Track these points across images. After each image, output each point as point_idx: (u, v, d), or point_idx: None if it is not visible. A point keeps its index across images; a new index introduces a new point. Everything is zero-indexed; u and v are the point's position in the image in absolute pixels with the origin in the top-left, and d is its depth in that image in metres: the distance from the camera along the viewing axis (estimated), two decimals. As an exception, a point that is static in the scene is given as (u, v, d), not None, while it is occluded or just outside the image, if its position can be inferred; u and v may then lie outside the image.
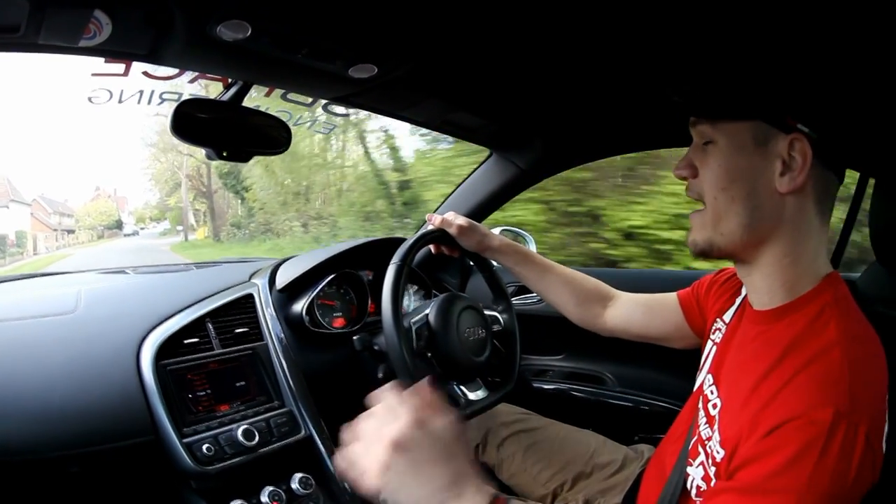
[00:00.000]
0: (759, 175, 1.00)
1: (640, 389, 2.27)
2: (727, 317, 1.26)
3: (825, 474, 0.81)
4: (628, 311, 1.63)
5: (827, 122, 0.99)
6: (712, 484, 1.02)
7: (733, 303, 1.27)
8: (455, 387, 1.60)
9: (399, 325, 1.45)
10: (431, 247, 1.74)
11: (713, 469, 1.01)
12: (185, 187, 35.81)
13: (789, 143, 0.97)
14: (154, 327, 1.53)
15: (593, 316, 1.67)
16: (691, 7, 1.05)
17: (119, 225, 49.16)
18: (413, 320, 1.59)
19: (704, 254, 1.10)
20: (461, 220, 1.65)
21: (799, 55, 1.10)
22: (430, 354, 1.58)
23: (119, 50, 1.17)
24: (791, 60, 1.09)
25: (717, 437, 1.01)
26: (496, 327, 1.78)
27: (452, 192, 2.43)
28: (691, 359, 1.44)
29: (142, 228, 48.58)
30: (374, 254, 2.01)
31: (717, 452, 0.99)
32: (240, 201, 25.28)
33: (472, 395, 1.61)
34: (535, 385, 2.46)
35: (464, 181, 2.39)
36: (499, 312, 1.83)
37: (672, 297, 1.55)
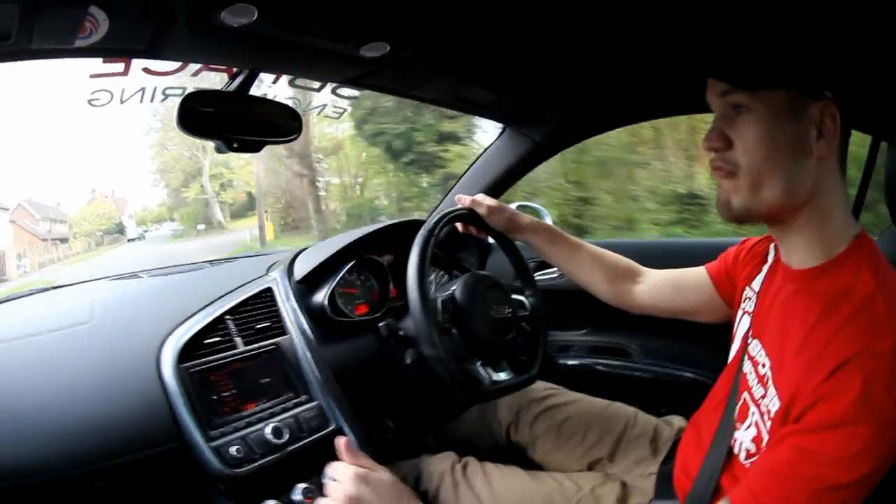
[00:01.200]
0: (799, 142, 1.02)
1: (665, 360, 2.27)
2: (756, 284, 1.27)
3: (894, 400, 0.85)
4: (658, 288, 1.63)
5: (851, 86, 1.04)
6: (764, 443, 1.03)
7: (760, 270, 1.28)
8: (479, 366, 1.58)
9: (425, 295, 1.43)
10: (459, 225, 1.72)
11: (769, 424, 1.02)
12: (207, 174, 31.53)
13: (820, 109, 0.99)
14: (173, 330, 1.50)
15: (623, 293, 1.66)
16: None
17: (121, 229, 41.39)
18: (439, 294, 1.59)
19: (739, 219, 1.10)
20: (490, 201, 1.65)
21: (829, 25, 1.08)
22: (454, 331, 1.56)
23: (117, 47, 1.14)
24: (823, 29, 1.07)
25: (772, 391, 1.03)
26: (522, 312, 1.76)
27: (467, 171, 2.40)
28: (716, 328, 1.48)
29: (146, 231, 40.56)
30: (392, 238, 1.97)
31: (774, 406, 1.01)
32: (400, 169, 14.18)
33: (495, 376, 1.60)
34: (560, 361, 2.44)
35: (478, 158, 2.36)
36: (525, 297, 1.81)
37: (701, 270, 1.55)
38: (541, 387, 1.86)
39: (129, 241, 36.38)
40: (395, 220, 2.05)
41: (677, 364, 2.22)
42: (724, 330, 1.39)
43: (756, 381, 1.11)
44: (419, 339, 1.44)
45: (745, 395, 1.14)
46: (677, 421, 1.65)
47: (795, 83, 1.01)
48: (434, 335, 1.41)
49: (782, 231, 1.12)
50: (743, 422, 1.12)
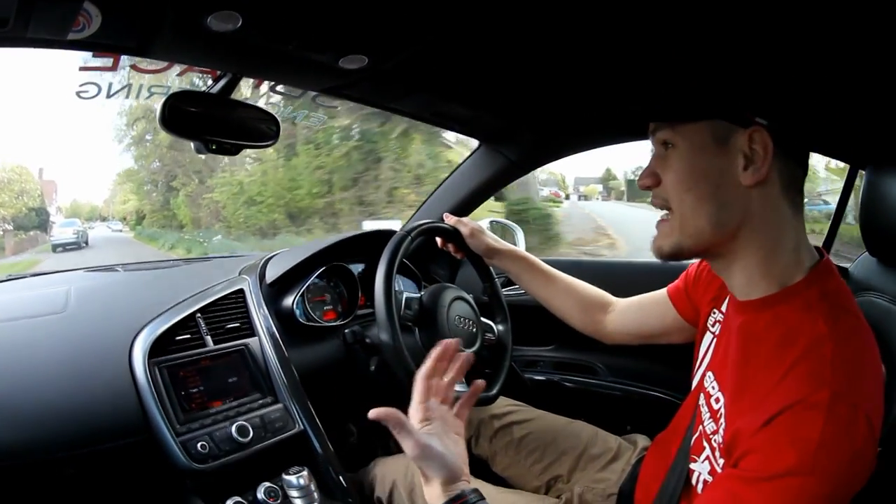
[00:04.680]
0: (723, 172, 1.01)
1: (631, 379, 2.28)
2: (724, 306, 1.26)
3: (829, 455, 0.82)
4: (624, 315, 1.65)
5: (784, 111, 1.01)
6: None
7: (727, 291, 1.24)
8: None
9: (390, 286, 1.46)
10: (438, 240, 1.75)
11: (722, 461, 1.01)
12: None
13: (749, 137, 0.98)
14: (145, 324, 1.51)
15: (595, 323, 1.68)
16: (644, 14, 1.05)
17: (42, 223, 22.40)
18: (405, 292, 1.62)
19: (673, 257, 1.10)
20: (473, 224, 1.68)
21: (752, 51, 1.10)
22: (417, 331, 1.60)
23: (108, 43, 1.15)
24: (745, 57, 1.10)
25: (723, 430, 1.02)
26: (489, 335, 1.80)
27: (440, 185, 2.42)
28: (681, 348, 1.48)
29: (83, 230, 21.49)
30: (364, 246, 2.00)
31: (723, 444, 1.00)
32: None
33: None
34: (526, 375, 2.46)
35: (452, 173, 2.38)
36: (495, 322, 1.84)
37: (662, 293, 1.56)
38: (502, 403, 1.88)
39: (56, 249, 19.28)
40: (368, 230, 2.07)
41: (644, 382, 2.24)
42: (692, 350, 1.39)
43: (708, 415, 1.11)
44: (378, 325, 1.46)
45: (701, 427, 1.14)
46: (641, 440, 1.67)
47: (714, 114, 1.01)
48: (393, 323, 1.43)
49: (723, 265, 1.11)
50: (699, 454, 1.12)
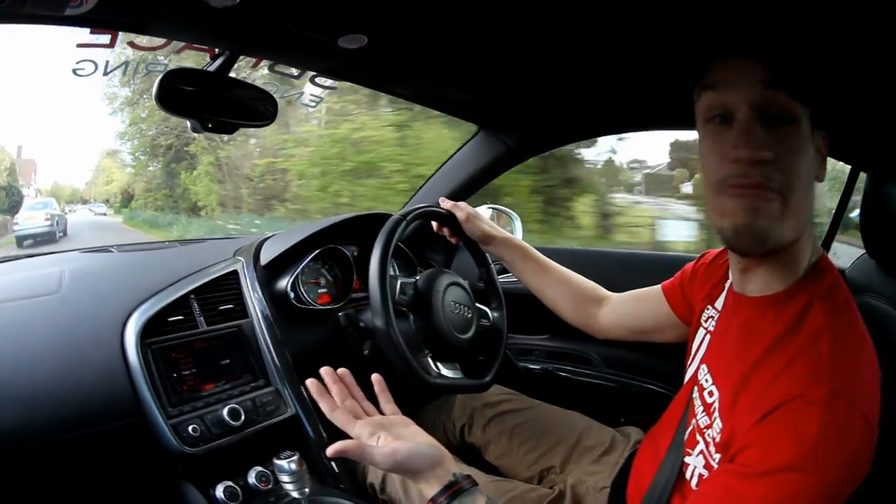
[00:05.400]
0: (814, 165, 0.98)
1: (626, 371, 2.28)
2: (719, 303, 1.25)
3: (827, 451, 0.82)
4: (617, 308, 1.64)
5: (842, 118, 1.01)
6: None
7: (723, 288, 1.25)
8: (430, 359, 1.61)
9: (385, 270, 1.45)
10: (434, 225, 1.73)
11: (718, 456, 1.01)
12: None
13: (822, 137, 0.99)
14: (138, 305, 1.50)
15: (587, 316, 1.67)
16: None
17: (14, 204, 17.90)
18: (400, 277, 1.65)
19: (761, 246, 0.96)
20: (469, 209, 1.67)
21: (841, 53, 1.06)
22: (411, 317, 1.60)
23: (106, 19, 1.13)
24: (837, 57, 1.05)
25: (718, 424, 1.02)
26: (484, 322, 1.80)
27: (438, 170, 2.41)
28: (677, 341, 1.46)
29: (62, 214, 17.73)
30: (359, 229, 1.97)
31: (718, 437, 1.00)
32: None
33: (444, 371, 1.62)
34: (521, 364, 2.45)
35: (450, 158, 2.37)
36: (490, 309, 1.83)
37: (656, 288, 1.56)
38: (496, 391, 1.88)
39: (24, 242, 14.93)
40: (363, 212, 2.05)
41: (639, 375, 2.24)
42: (687, 345, 1.37)
43: (702, 409, 1.11)
44: (372, 310, 1.45)
45: (694, 421, 1.14)
46: (634, 433, 1.66)
47: (832, 103, 0.98)
48: (388, 308, 1.43)
49: (755, 259, 1.03)
50: (693, 448, 1.12)
